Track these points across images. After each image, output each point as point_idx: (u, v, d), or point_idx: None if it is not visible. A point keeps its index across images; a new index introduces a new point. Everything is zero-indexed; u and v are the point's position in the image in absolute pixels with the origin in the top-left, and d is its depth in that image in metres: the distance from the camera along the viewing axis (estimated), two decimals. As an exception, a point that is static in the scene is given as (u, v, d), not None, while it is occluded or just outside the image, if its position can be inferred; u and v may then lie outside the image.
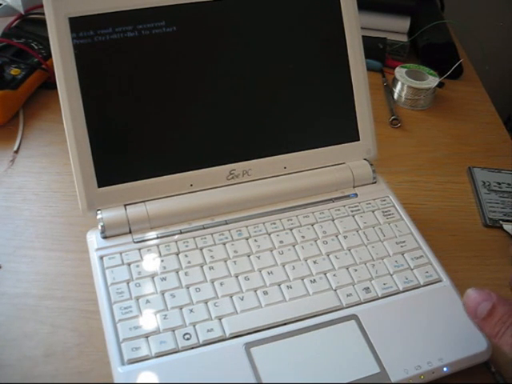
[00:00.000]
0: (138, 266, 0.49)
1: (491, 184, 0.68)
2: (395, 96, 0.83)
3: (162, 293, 0.47)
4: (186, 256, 0.50)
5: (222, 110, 0.53)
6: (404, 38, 0.91)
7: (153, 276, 0.48)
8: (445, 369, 0.44)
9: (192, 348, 0.44)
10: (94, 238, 0.51)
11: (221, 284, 0.48)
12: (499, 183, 0.68)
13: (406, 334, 0.46)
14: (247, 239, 0.52)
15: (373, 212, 0.56)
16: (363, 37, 0.56)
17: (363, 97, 0.57)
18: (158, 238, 0.51)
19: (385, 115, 0.79)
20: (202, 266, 0.49)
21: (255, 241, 0.52)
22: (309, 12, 0.55)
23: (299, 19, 0.55)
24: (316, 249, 0.52)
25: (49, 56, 0.74)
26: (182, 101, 0.52)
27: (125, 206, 0.51)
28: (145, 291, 0.47)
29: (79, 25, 0.48)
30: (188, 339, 0.44)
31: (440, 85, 0.83)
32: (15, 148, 0.67)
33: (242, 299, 0.47)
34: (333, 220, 0.55)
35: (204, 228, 0.52)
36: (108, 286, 0.47)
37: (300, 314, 0.47)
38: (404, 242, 0.53)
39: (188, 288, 0.47)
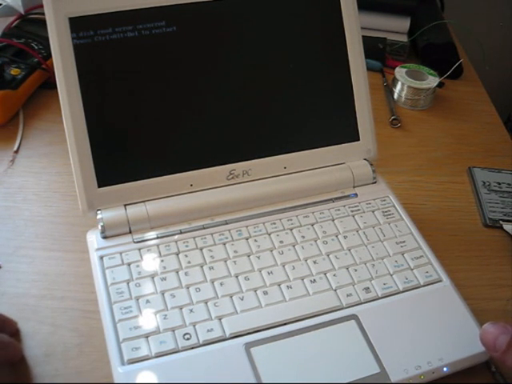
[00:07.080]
0: (138, 266, 0.49)
1: (491, 184, 0.68)
2: (395, 96, 0.83)
3: (162, 293, 0.47)
4: (186, 256, 0.50)
5: (222, 109, 0.53)
6: (404, 38, 0.91)
7: (153, 276, 0.48)
8: (445, 369, 0.44)
9: (192, 348, 0.44)
10: (94, 238, 0.51)
11: (221, 284, 0.48)
12: (499, 183, 0.68)
13: (405, 334, 0.46)
14: (247, 239, 0.52)
15: (373, 212, 0.56)
16: (363, 37, 0.56)
17: (363, 97, 0.57)
18: (157, 237, 0.51)
19: (385, 115, 0.79)
20: (202, 266, 0.49)
21: (255, 241, 0.52)
22: (309, 12, 0.55)
23: (299, 19, 0.55)
24: (316, 249, 0.52)
25: (49, 56, 0.74)
26: (182, 101, 0.52)
27: (125, 206, 0.51)
28: (145, 291, 0.47)
29: (79, 25, 0.48)
30: (188, 339, 0.44)
31: (440, 85, 0.83)
32: (15, 148, 0.67)
33: (241, 299, 0.47)
34: (333, 220, 0.54)
35: (204, 228, 0.52)
36: (108, 285, 0.47)
37: (300, 313, 0.47)
38: (404, 241, 0.53)
39: (188, 288, 0.47)
